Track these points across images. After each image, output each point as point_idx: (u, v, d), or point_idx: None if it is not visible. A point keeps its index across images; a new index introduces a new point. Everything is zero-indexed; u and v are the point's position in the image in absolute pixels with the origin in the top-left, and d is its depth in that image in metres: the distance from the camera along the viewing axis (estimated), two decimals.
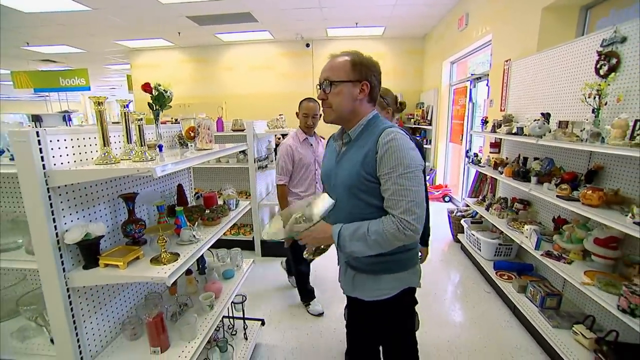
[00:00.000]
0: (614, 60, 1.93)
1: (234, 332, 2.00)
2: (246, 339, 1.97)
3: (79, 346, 1.19)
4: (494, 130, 2.96)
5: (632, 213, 1.52)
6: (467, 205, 3.71)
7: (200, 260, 1.86)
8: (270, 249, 3.46)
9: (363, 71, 1.09)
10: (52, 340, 1.29)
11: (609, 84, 1.88)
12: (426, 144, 6.04)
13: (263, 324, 2.17)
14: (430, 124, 5.88)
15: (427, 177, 5.80)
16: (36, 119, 5.20)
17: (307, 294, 2.58)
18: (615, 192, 1.79)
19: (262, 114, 4.95)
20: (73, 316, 1.16)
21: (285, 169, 2.36)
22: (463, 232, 3.54)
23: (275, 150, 3.65)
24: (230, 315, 2.03)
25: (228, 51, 7.14)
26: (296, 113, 2.44)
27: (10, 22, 5.08)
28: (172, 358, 1.24)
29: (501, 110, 3.33)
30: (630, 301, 1.44)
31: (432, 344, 2.14)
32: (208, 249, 1.51)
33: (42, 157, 1.02)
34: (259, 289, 2.84)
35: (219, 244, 1.70)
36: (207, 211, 1.63)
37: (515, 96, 3.07)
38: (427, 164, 6.13)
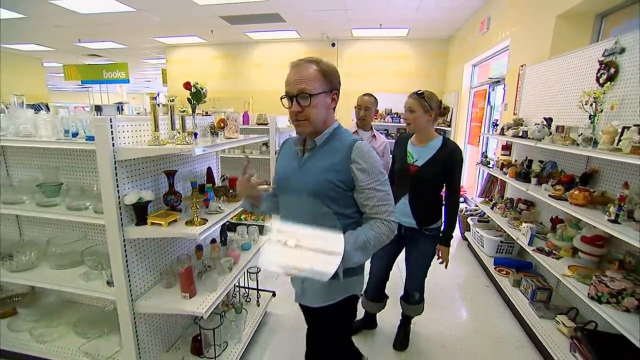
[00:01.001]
0: (612, 70, 2.06)
1: (248, 300, 2.32)
2: (258, 305, 2.29)
3: (130, 287, 1.54)
4: (502, 133, 3.09)
5: (609, 212, 1.68)
6: (477, 205, 3.84)
7: (223, 233, 2.18)
8: None
9: (332, 80, 1.12)
10: (108, 282, 1.65)
11: (604, 92, 2.02)
12: None
13: (274, 295, 2.47)
14: (449, 126, 5.97)
15: None
16: (98, 108, 5.95)
17: None
18: (603, 193, 1.94)
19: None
20: (127, 262, 1.51)
21: None
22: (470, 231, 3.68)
23: None
24: (246, 285, 2.36)
25: (256, 49, 7.53)
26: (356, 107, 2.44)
27: (69, 21, 5.71)
28: (197, 302, 1.56)
29: (514, 114, 3.45)
30: (598, 289, 1.60)
31: (427, 328, 2.36)
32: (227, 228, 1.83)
33: (112, 138, 1.36)
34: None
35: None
36: (231, 190, 1.95)
37: (527, 101, 3.19)
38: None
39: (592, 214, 1.79)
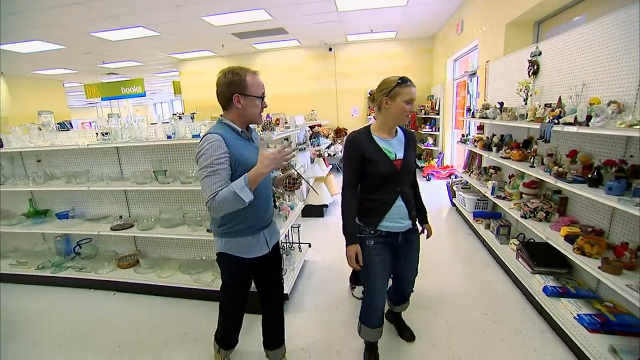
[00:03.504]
0: (535, 67, 3.01)
1: (292, 248, 3.29)
2: (300, 250, 3.26)
3: None
4: (473, 116, 4.05)
5: (532, 162, 2.64)
6: (461, 176, 4.80)
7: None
8: (306, 211, 4.74)
9: None
10: (208, 230, 2.62)
11: (530, 83, 2.98)
12: (435, 131, 7.09)
13: (310, 246, 3.44)
14: (438, 114, 6.93)
15: (436, 160, 6.89)
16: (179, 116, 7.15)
17: (356, 278, 2.74)
18: (535, 150, 2.90)
19: (294, 110, 6.23)
20: None
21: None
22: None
23: (311, 135, 4.83)
24: (290, 240, 3.32)
25: (261, 57, 8.50)
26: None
27: (100, 47, 6.69)
28: None
29: (484, 100, 4.40)
30: (524, 210, 2.57)
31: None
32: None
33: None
34: (304, 226, 4.12)
35: None
36: None
37: (492, 89, 4.14)
38: (436, 148, 7.17)
39: (522, 164, 2.76)
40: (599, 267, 1.76)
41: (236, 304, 1.83)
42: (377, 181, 1.66)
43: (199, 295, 2.70)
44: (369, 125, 1.74)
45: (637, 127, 1.54)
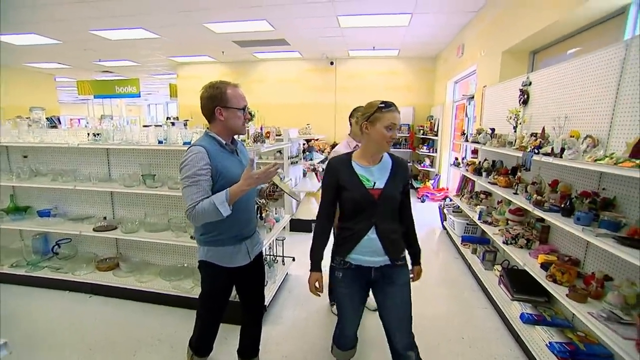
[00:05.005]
0: (526, 96, 3.24)
1: (276, 261, 3.41)
2: (284, 264, 3.38)
3: None
4: (467, 140, 4.27)
5: (516, 189, 2.82)
6: (452, 199, 4.99)
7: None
8: (295, 225, 4.88)
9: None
10: (191, 237, 2.74)
11: (520, 111, 3.20)
12: (433, 152, 7.32)
13: (294, 260, 3.56)
14: (436, 135, 7.18)
15: (432, 181, 7.09)
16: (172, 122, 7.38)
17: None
18: (519, 178, 3.09)
19: (289, 122, 6.45)
20: None
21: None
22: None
23: (305, 149, 5.06)
24: (274, 253, 3.45)
25: (261, 66, 8.80)
26: (356, 119, 2.50)
27: (98, 45, 6.93)
28: None
29: (479, 125, 4.63)
30: (506, 236, 2.73)
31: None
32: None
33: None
34: (291, 240, 4.24)
35: None
36: None
37: (487, 114, 4.38)
38: (432, 170, 7.38)
39: (507, 191, 2.94)
40: (567, 295, 1.91)
41: (214, 312, 1.94)
42: (349, 209, 1.63)
43: (177, 302, 2.80)
44: (353, 151, 1.74)
45: (602, 162, 1.72)
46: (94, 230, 2.99)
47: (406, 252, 1.74)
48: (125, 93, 9.69)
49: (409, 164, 1.64)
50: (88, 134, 3.06)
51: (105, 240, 3.37)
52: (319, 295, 1.76)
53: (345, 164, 1.66)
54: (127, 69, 9.96)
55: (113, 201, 3.32)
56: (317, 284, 1.71)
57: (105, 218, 3.26)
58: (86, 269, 3.16)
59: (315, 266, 1.72)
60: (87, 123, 8.61)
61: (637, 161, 1.51)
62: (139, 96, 9.80)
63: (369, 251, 1.61)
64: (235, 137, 1.83)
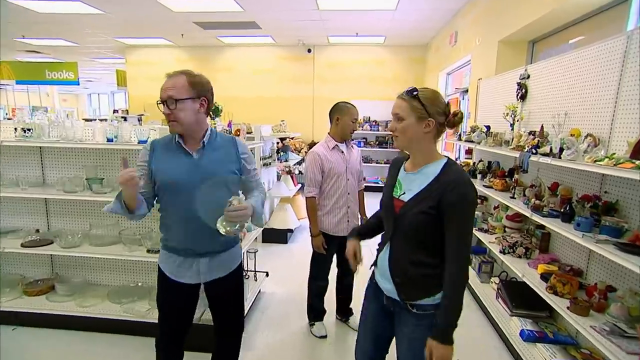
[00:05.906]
0: (524, 90, 3.42)
1: (247, 277, 3.39)
2: (256, 280, 3.38)
3: None
4: (459, 138, 4.44)
5: (513, 193, 2.97)
6: None
7: None
8: (268, 235, 4.87)
9: (200, 89, 1.65)
10: (148, 250, 2.70)
11: (517, 107, 3.37)
12: None
13: (267, 275, 3.56)
14: None
15: None
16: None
17: (316, 313, 2.96)
18: (516, 180, 3.25)
19: (262, 117, 6.45)
20: None
21: (315, 179, 2.68)
22: None
23: (279, 149, 5.04)
24: (246, 266, 3.43)
25: (227, 52, 8.75)
26: (336, 118, 2.70)
27: (23, 18, 6.53)
28: None
29: (474, 121, 4.82)
30: (503, 244, 2.87)
31: None
32: None
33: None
34: (264, 253, 4.23)
35: None
36: None
37: (481, 110, 4.57)
38: None
39: (504, 195, 3.09)
40: (567, 307, 2.04)
41: (169, 335, 1.92)
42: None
43: (130, 328, 2.74)
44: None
45: (601, 163, 1.86)
46: (22, 246, 2.87)
47: None
48: (59, 79, 9.31)
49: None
50: (15, 128, 2.94)
51: (37, 258, 3.24)
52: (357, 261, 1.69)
53: (396, 165, 1.60)
54: (62, 50, 9.60)
55: (48, 210, 3.20)
56: (354, 250, 1.69)
57: (38, 231, 3.14)
58: (9, 294, 3.02)
59: (354, 232, 1.78)
60: (6, 114, 8.14)
61: (637, 162, 1.63)
62: (78, 84, 9.46)
63: (381, 271, 1.56)
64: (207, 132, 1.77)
